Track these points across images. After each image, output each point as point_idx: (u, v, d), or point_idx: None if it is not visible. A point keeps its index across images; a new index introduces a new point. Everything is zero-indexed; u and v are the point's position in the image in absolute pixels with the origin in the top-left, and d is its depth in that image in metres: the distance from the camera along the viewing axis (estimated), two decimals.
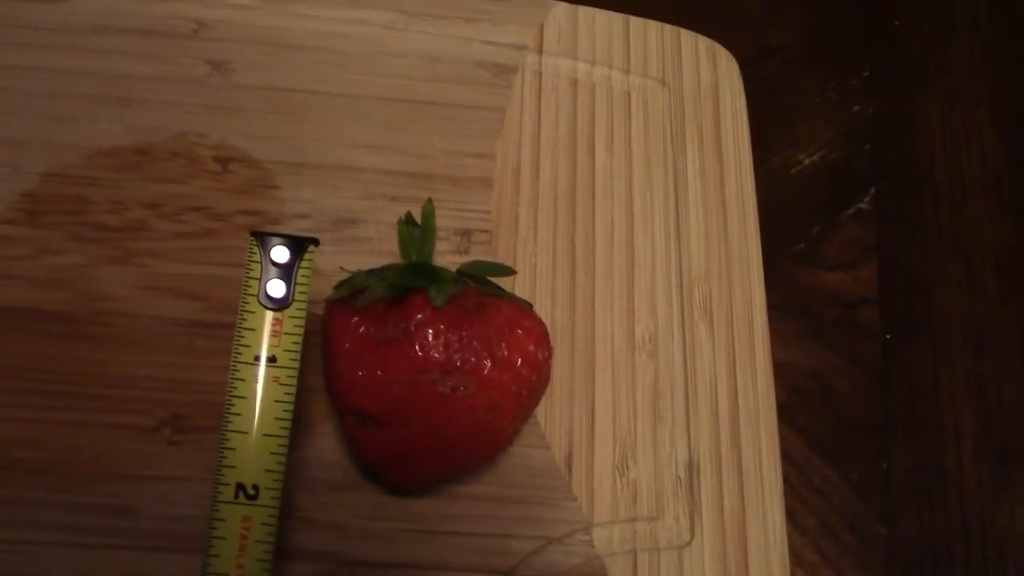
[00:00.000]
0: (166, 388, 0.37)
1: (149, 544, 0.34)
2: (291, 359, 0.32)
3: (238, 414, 0.31)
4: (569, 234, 0.42)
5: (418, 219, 0.35)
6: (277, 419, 0.31)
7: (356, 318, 0.33)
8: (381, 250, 0.40)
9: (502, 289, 0.35)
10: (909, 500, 0.42)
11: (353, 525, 0.36)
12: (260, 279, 0.33)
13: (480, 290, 0.34)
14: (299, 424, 0.36)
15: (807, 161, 0.49)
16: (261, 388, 0.31)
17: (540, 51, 0.46)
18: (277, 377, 0.32)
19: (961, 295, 0.47)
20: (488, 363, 0.32)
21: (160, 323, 0.38)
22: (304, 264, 0.33)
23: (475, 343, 0.32)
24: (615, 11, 0.48)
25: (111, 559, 0.34)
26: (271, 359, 0.32)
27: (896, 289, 0.47)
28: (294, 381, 0.32)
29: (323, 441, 0.37)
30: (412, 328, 0.32)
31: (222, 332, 0.38)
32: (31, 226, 0.39)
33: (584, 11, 0.48)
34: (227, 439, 0.31)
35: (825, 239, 0.47)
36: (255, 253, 0.33)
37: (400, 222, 0.35)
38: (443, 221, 0.41)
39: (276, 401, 0.32)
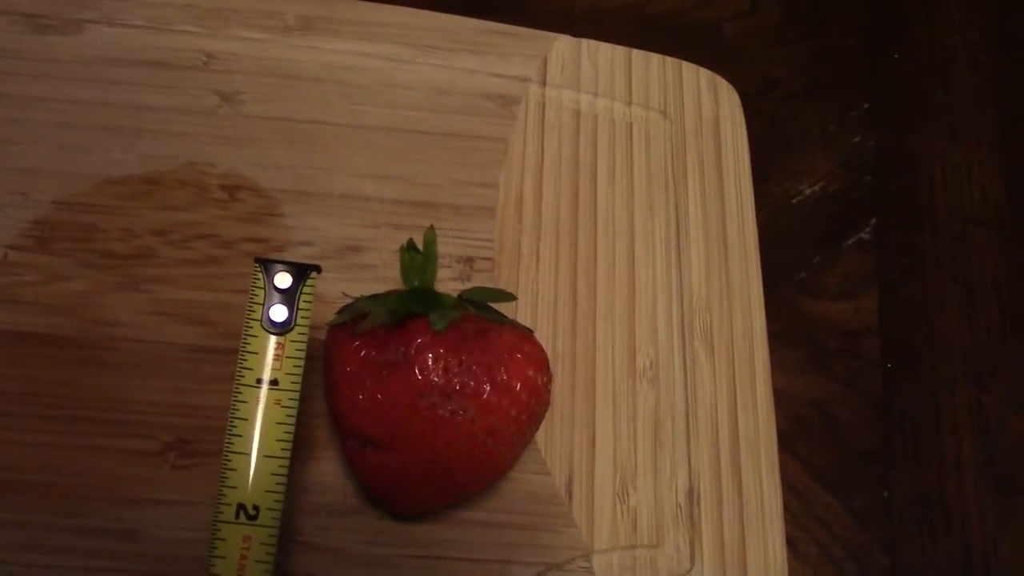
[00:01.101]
0: (172, 413, 0.37)
1: (152, 568, 0.35)
2: (293, 382, 0.33)
3: (240, 435, 0.32)
4: (571, 262, 0.43)
5: (420, 246, 0.36)
6: (278, 441, 0.32)
7: (357, 342, 0.33)
8: (385, 277, 0.41)
9: (503, 315, 0.35)
10: (911, 529, 0.42)
11: (353, 550, 0.36)
12: (263, 304, 0.33)
13: (481, 316, 0.34)
14: (300, 449, 0.36)
15: (808, 192, 0.50)
16: (263, 410, 0.32)
17: (544, 83, 0.47)
18: (279, 400, 0.32)
19: (962, 326, 0.47)
20: (488, 387, 0.32)
21: (167, 348, 0.39)
22: (306, 290, 0.34)
23: (475, 367, 0.32)
24: (618, 44, 0.49)
25: None
26: (273, 382, 0.33)
27: (897, 319, 0.47)
28: (295, 404, 0.32)
29: (324, 466, 0.37)
30: (412, 352, 0.32)
31: (228, 358, 0.38)
32: (42, 253, 0.40)
33: (587, 44, 0.49)
34: (229, 460, 0.31)
35: (826, 269, 0.48)
36: (259, 279, 0.34)
37: (402, 249, 0.36)
38: (446, 249, 0.41)
39: (278, 423, 0.32)
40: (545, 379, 0.34)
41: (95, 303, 0.39)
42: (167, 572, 0.35)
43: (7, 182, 0.41)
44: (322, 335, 0.36)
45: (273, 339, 0.33)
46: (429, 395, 0.32)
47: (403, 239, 0.37)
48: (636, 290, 0.43)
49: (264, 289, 0.33)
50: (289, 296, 0.33)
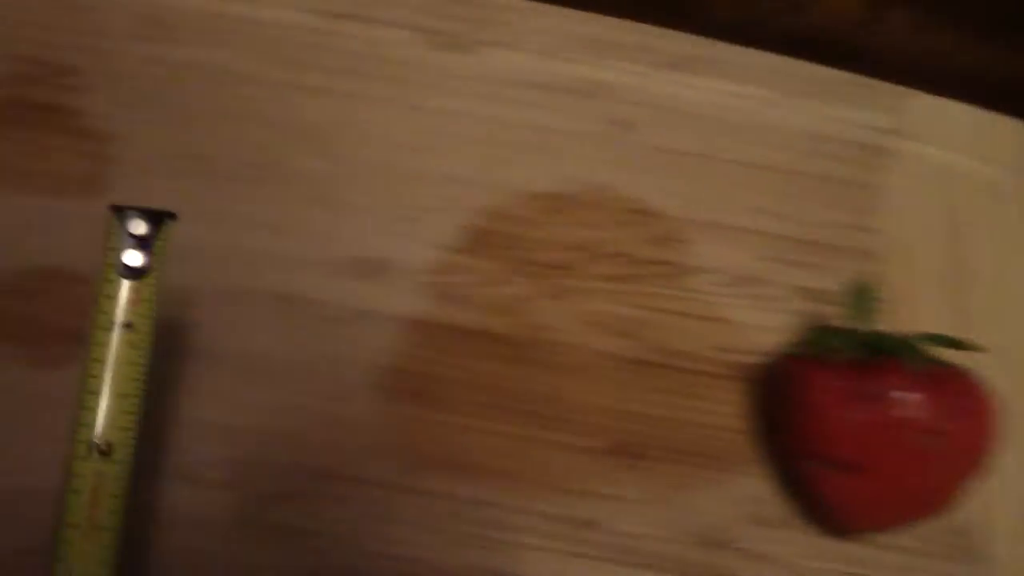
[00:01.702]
0: (612, 417, 0.41)
1: (609, 556, 0.38)
2: (147, 325, 0.33)
3: (95, 376, 0.33)
4: (950, 317, 0.45)
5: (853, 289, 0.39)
6: (133, 380, 0.33)
7: (831, 373, 0.36)
8: (783, 308, 0.44)
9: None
10: None
11: (786, 560, 0.39)
12: (118, 249, 0.34)
13: (936, 360, 0.37)
14: (732, 463, 0.40)
15: None
16: (116, 351, 0.33)
17: (905, 136, 0.50)
18: (132, 341, 0.33)
19: None
20: (958, 425, 0.35)
21: (597, 356, 0.42)
22: (162, 237, 0.34)
23: (947, 406, 0.35)
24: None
25: (579, 566, 0.38)
26: (127, 325, 0.33)
27: None
28: (148, 345, 0.33)
29: (756, 481, 0.40)
30: (892, 388, 0.35)
31: (657, 371, 0.42)
32: (475, 256, 0.44)
33: (943, 101, 0.51)
34: (83, 399, 0.33)
35: None
36: (114, 225, 0.34)
37: (852, 290, 0.39)
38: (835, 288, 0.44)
39: (131, 363, 0.33)
40: (997, 422, 0.37)
41: (527, 308, 0.43)
42: (622, 561, 0.39)
43: (440, 187, 0.45)
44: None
45: (128, 284, 0.34)
46: (908, 428, 0.35)
47: (792, 274, 0.40)
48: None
49: (119, 235, 0.34)
50: (145, 243, 0.34)
